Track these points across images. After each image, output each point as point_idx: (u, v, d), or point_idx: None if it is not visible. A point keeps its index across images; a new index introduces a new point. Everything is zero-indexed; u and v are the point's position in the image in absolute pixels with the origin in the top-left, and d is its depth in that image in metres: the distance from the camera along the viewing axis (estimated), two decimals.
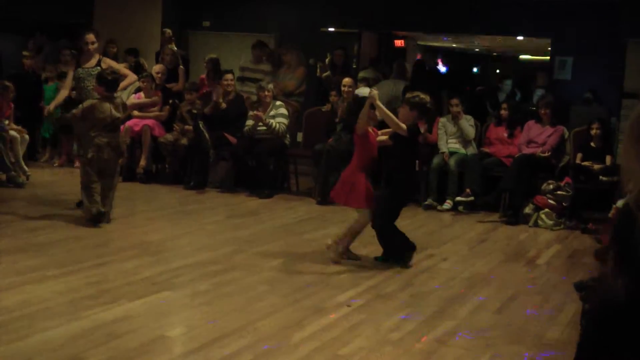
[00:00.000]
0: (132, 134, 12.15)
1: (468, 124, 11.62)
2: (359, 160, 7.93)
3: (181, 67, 13.47)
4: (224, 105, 12.11)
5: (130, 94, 12.66)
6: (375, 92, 8.02)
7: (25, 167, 11.43)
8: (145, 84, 12.50)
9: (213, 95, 12.25)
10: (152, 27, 15.31)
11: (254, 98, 12.32)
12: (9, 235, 8.11)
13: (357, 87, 12.30)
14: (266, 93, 11.87)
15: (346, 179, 7.95)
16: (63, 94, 10.14)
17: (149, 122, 12.32)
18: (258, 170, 11.68)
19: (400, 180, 7.94)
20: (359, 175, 7.86)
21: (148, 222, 9.27)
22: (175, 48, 13.63)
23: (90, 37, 9.66)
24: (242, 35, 15.38)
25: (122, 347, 5.12)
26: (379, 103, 7.80)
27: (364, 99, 8.28)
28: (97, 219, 8.72)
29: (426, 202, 11.38)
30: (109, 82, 8.92)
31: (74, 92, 10.02)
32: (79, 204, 9.25)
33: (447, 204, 11.29)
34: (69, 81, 9.99)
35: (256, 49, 13.71)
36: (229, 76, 12.36)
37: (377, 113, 7.88)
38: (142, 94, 12.58)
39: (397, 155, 7.96)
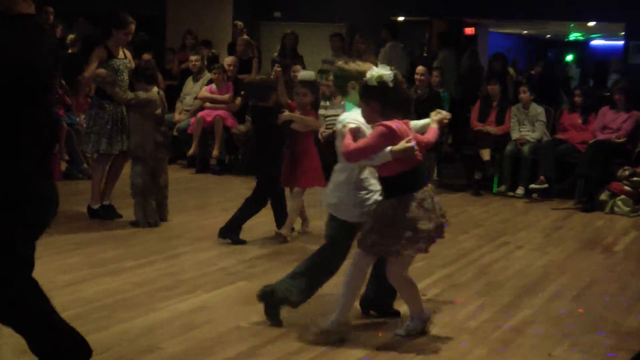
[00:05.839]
0: (204, 125, 12.26)
1: (538, 118, 11.50)
2: None
3: (255, 58, 13.52)
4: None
5: (203, 85, 12.79)
6: None
7: None
8: (217, 75, 12.60)
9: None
10: (224, 19, 15.42)
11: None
12: (85, 227, 8.24)
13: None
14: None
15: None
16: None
17: (221, 112, 12.39)
18: (331, 159, 11.60)
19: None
20: None
21: (222, 213, 9.28)
22: (250, 40, 13.68)
23: (133, 26, 8.83)
24: (313, 25, 15.39)
25: (198, 337, 5.19)
26: None
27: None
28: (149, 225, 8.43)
29: (501, 190, 11.31)
30: (150, 76, 8.76)
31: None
32: (134, 223, 8.46)
33: (520, 190, 11.20)
34: (93, 67, 8.53)
35: (334, 38, 13.65)
36: (297, 67, 12.31)
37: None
38: (213, 86, 12.68)
39: None
